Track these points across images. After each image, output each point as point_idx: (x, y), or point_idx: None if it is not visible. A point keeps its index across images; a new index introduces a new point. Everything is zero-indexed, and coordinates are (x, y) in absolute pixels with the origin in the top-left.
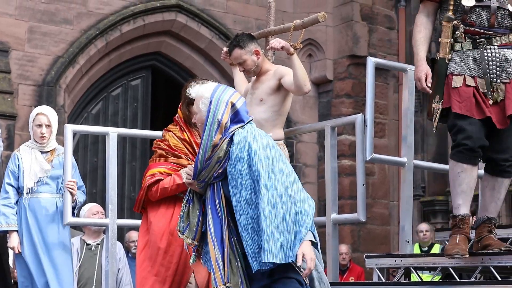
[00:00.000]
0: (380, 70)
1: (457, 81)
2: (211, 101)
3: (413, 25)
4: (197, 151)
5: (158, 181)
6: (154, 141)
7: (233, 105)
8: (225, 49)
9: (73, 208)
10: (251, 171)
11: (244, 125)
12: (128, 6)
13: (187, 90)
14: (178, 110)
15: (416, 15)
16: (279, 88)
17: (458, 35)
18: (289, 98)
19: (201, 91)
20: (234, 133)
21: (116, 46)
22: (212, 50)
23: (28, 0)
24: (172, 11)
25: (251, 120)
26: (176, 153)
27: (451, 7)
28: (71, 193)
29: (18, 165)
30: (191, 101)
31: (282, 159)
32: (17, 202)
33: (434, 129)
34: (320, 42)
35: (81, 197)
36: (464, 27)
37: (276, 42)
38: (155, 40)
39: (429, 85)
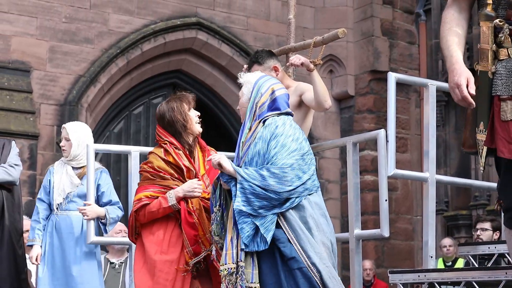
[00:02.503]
0: (401, 85)
1: (507, 111)
2: (254, 86)
3: (434, 39)
4: (185, 172)
5: (145, 205)
6: (140, 165)
7: (273, 91)
8: (246, 66)
9: (104, 225)
10: (267, 151)
11: (280, 113)
12: (148, 25)
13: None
14: (158, 130)
15: (443, 11)
16: (300, 104)
17: (503, 38)
18: (310, 114)
19: (248, 77)
20: (267, 118)
21: (137, 65)
22: (233, 67)
23: (49, 19)
24: (193, 29)
25: (291, 113)
26: (161, 174)
27: (489, 1)
28: (83, 215)
29: (49, 180)
30: (162, 122)
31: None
32: (47, 217)
33: (482, 168)
34: (341, 57)
35: (114, 212)
36: (510, 27)
37: (296, 58)
38: (176, 58)
39: (473, 92)
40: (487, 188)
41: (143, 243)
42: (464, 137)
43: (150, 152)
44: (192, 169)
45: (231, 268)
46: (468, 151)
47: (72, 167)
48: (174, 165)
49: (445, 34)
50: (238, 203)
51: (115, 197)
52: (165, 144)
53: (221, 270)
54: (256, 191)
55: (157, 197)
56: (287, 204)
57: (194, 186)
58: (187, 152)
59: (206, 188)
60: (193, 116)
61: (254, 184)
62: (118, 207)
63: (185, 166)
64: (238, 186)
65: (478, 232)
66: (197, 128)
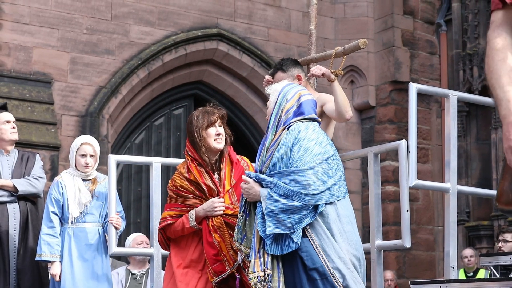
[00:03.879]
0: (422, 96)
1: None
2: (280, 93)
3: (455, 49)
4: (206, 191)
5: (169, 225)
6: (169, 181)
7: (299, 97)
8: (267, 77)
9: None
10: (291, 156)
11: (304, 118)
12: (169, 36)
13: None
14: (187, 143)
15: (489, 32)
16: (322, 115)
17: None
18: (332, 125)
19: (275, 86)
20: (292, 124)
21: (158, 76)
22: (254, 78)
23: (70, 31)
24: (214, 40)
25: (317, 120)
26: (183, 193)
27: None
28: (115, 227)
29: (62, 193)
30: (187, 132)
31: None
32: (60, 231)
33: None
34: (362, 68)
35: (121, 225)
36: None
37: (316, 69)
38: (197, 69)
39: None
40: None
41: (171, 256)
42: (500, 190)
43: (177, 168)
44: (214, 188)
45: (260, 276)
46: (504, 208)
47: (82, 179)
48: (195, 183)
49: (498, 67)
50: (270, 228)
51: (120, 207)
52: (188, 160)
53: (250, 278)
54: (284, 208)
55: (181, 215)
56: (317, 212)
57: (214, 206)
58: (209, 169)
59: (232, 204)
60: (212, 133)
61: (281, 202)
62: (121, 216)
63: (205, 185)
64: (266, 211)
65: (500, 244)
66: (215, 145)
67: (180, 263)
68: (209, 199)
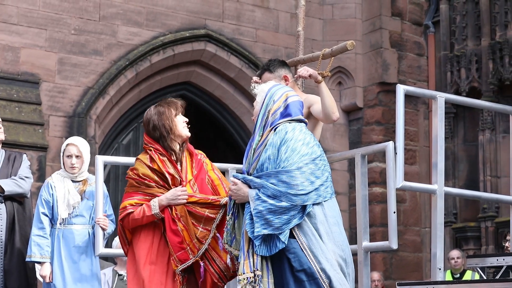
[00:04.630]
0: (410, 97)
1: None
2: (267, 94)
3: (443, 51)
4: (169, 180)
5: (130, 213)
6: (127, 171)
7: (286, 98)
8: (254, 78)
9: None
10: (278, 157)
11: (292, 119)
12: (157, 37)
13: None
14: (144, 137)
15: None
16: (309, 116)
17: None
18: (319, 126)
19: (262, 87)
20: (279, 125)
21: (146, 77)
22: (242, 79)
23: (58, 31)
24: (202, 41)
25: (304, 121)
26: (146, 182)
27: None
28: (102, 228)
29: (52, 194)
30: (147, 127)
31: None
32: (50, 232)
33: None
34: (350, 69)
35: (109, 228)
36: None
37: (304, 70)
38: (185, 70)
39: None
40: (495, 200)
41: (134, 251)
42: None
43: (137, 158)
44: (177, 176)
45: (250, 277)
46: None
47: (72, 181)
48: (159, 172)
49: None
50: (258, 229)
51: (110, 210)
52: (150, 150)
53: (240, 280)
54: (272, 209)
55: (142, 204)
56: (305, 212)
57: (177, 194)
58: (173, 159)
59: (194, 192)
60: (180, 120)
61: (269, 203)
62: (111, 220)
63: (169, 174)
64: (254, 211)
65: (507, 244)
66: (185, 131)
67: (145, 260)
68: (171, 188)
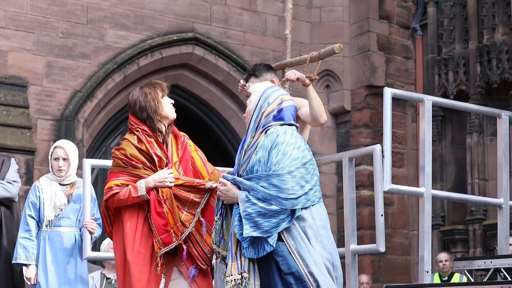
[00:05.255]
0: (398, 100)
1: None
2: (262, 95)
3: (431, 54)
4: (156, 162)
5: (115, 194)
6: (112, 150)
7: (281, 102)
8: (242, 81)
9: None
10: (269, 160)
11: (283, 123)
12: (145, 40)
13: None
14: (130, 118)
15: None
16: (297, 119)
17: None
18: (307, 129)
19: (257, 86)
20: (270, 127)
21: (134, 80)
22: (230, 83)
23: (46, 35)
24: (189, 44)
25: (295, 125)
26: (133, 162)
27: None
28: (90, 232)
29: (39, 196)
30: (134, 108)
31: (303, 164)
32: (36, 234)
33: None
34: (338, 72)
35: (97, 231)
36: None
37: (291, 73)
38: (173, 73)
39: None
40: (483, 203)
41: (118, 233)
42: None
43: (123, 138)
44: (164, 158)
45: (238, 279)
46: None
47: (60, 184)
48: (146, 153)
49: None
50: (247, 231)
51: (97, 214)
52: (137, 131)
53: (227, 281)
54: (262, 212)
55: (128, 185)
56: (294, 216)
57: (165, 176)
58: (159, 140)
59: (179, 175)
60: (167, 102)
61: (259, 206)
62: (98, 224)
63: (156, 155)
64: (243, 214)
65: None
66: (172, 113)
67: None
68: (158, 170)
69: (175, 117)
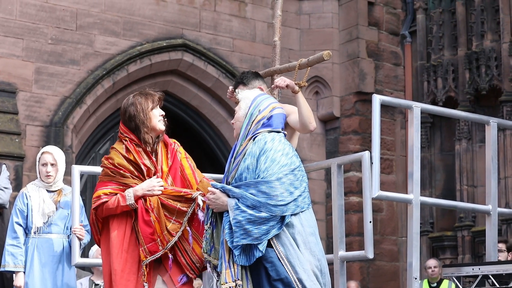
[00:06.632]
0: (387, 107)
1: None
2: (252, 103)
3: (420, 61)
4: (144, 171)
5: (103, 203)
6: (102, 159)
7: (272, 110)
8: (231, 88)
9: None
10: (257, 167)
11: (271, 130)
12: (134, 46)
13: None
14: (120, 126)
15: None
16: (285, 126)
17: None
18: (296, 136)
19: (247, 94)
20: (258, 134)
21: (123, 86)
22: (219, 89)
23: (35, 41)
24: (179, 50)
25: (283, 132)
26: (121, 171)
27: None
28: (79, 238)
29: (27, 204)
30: (123, 116)
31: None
32: (24, 241)
33: None
34: (327, 79)
35: (85, 238)
36: None
37: (280, 80)
38: (162, 79)
39: None
40: (472, 209)
41: (106, 241)
42: None
43: (112, 147)
44: (152, 168)
45: (232, 287)
46: None
47: (47, 190)
48: (134, 163)
49: None
50: (237, 239)
51: (85, 220)
52: (126, 140)
53: None
54: (251, 219)
55: (115, 194)
56: (284, 222)
57: (153, 185)
58: (148, 150)
59: (168, 184)
60: (156, 114)
61: (248, 213)
62: (86, 230)
63: (145, 165)
64: (233, 221)
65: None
66: (160, 126)
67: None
68: (146, 179)
69: (163, 129)
